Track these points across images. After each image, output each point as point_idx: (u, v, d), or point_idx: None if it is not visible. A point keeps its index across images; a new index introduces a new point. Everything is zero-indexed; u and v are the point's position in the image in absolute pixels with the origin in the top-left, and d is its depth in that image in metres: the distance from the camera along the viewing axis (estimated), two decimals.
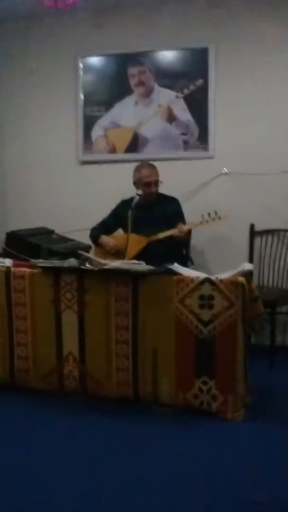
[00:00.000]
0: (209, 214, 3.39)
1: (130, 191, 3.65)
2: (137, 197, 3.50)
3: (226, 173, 4.02)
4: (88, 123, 4.30)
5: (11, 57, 4.42)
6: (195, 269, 3.05)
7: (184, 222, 3.56)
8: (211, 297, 2.64)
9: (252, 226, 3.97)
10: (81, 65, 4.25)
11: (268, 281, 3.90)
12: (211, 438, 2.55)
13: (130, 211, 3.39)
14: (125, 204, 3.69)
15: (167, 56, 4.09)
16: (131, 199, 3.55)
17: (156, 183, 3.62)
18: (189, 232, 3.61)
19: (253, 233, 3.97)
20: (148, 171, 3.63)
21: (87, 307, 2.84)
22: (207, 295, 2.64)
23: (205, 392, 2.70)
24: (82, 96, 4.29)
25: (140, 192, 3.53)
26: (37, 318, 2.94)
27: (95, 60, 4.25)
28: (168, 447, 2.47)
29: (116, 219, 3.75)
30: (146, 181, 3.60)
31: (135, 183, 3.67)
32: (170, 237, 3.48)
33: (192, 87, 4.04)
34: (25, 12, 3.85)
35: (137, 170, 3.67)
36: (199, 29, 3.97)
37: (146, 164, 3.70)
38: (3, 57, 4.44)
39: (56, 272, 2.88)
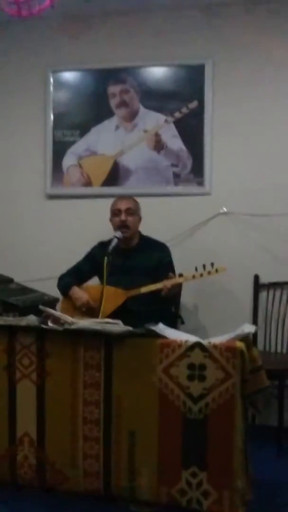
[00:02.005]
0: (204, 267, 3.39)
1: (108, 233, 3.67)
2: (115, 239, 3.51)
3: (225, 213, 4.06)
4: (59, 150, 4.36)
5: None
6: (186, 331, 3.04)
7: (173, 274, 3.56)
8: (203, 367, 2.61)
9: (256, 277, 3.98)
10: (51, 81, 4.34)
11: (275, 346, 3.88)
12: None
13: (106, 258, 3.39)
14: (103, 246, 3.69)
15: (155, 73, 4.19)
16: (110, 241, 3.56)
17: (129, 212, 3.64)
18: (179, 286, 3.60)
19: (258, 286, 3.98)
20: (117, 199, 3.72)
21: (49, 376, 2.80)
22: (198, 363, 2.61)
23: (195, 486, 2.64)
24: (52, 118, 4.36)
25: (118, 234, 3.54)
26: None
27: (68, 76, 4.35)
28: None
29: (92, 265, 3.74)
30: (115, 208, 3.66)
31: (110, 220, 3.71)
32: (155, 292, 3.47)
33: (184, 110, 4.13)
34: None
35: (112, 203, 3.73)
36: (193, 42, 4.10)
37: (120, 195, 3.82)
38: None
39: (12, 331, 2.85)
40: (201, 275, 3.42)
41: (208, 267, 3.40)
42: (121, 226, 3.61)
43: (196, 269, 3.41)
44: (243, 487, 2.66)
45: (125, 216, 3.63)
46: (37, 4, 2.47)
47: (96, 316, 3.30)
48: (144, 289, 3.49)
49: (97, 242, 3.82)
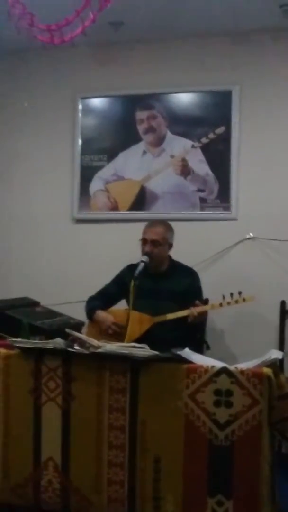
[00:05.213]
0: (231, 295, 3.38)
1: (135, 257, 3.67)
2: (142, 264, 3.50)
3: (251, 238, 4.05)
4: (86, 175, 4.41)
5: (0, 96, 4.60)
6: (212, 357, 3.01)
7: (201, 300, 3.54)
8: (230, 393, 2.57)
9: (283, 303, 3.95)
10: (80, 107, 4.41)
11: None
12: None
13: (132, 282, 3.38)
14: (131, 269, 3.66)
15: (182, 99, 4.23)
16: (139, 264, 3.55)
17: (154, 243, 3.59)
18: (205, 312, 3.58)
19: (285, 312, 3.94)
20: (148, 226, 3.68)
21: (74, 400, 2.77)
22: (225, 389, 2.57)
23: None
24: (80, 143, 4.41)
25: (145, 258, 3.54)
26: (10, 412, 2.87)
27: (97, 102, 4.41)
28: None
29: (120, 288, 3.73)
30: (143, 237, 3.63)
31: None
32: (182, 318, 3.46)
33: (211, 136, 4.15)
34: (18, 46, 4.03)
35: (144, 227, 3.73)
36: (220, 69, 4.14)
37: (154, 220, 3.77)
38: None
39: (38, 354, 2.84)
40: (228, 303, 3.41)
41: (236, 296, 3.38)
42: (144, 256, 3.60)
43: (223, 297, 3.40)
44: None
45: (150, 247, 3.59)
46: (69, 32, 2.52)
47: (122, 341, 3.30)
48: (170, 316, 3.48)
49: (124, 265, 3.81)
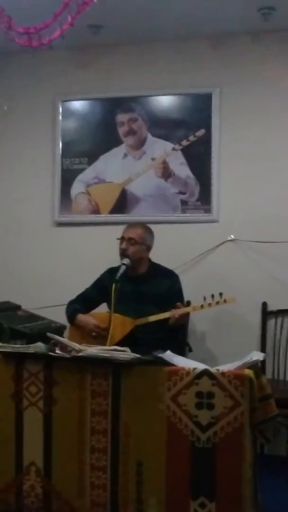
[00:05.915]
0: (212, 296, 3.39)
1: (116, 259, 3.67)
2: (123, 267, 3.51)
3: (232, 240, 4.06)
4: (67, 178, 4.40)
5: None
6: (194, 359, 3.02)
7: (182, 302, 3.55)
8: (211, 395, 2.57)
9: (264, 305, 3.97)
10: (60, 110, 4.40)
11: (284, 374, 3.85)
12: None
13: (114, 285, 3.38)
14: (112, 273, 3.67)
15: (163, 102, 4.24)
16: (119, 268, 3.56)
17: (131, 241, 3.61)
18: (187, 315, 3.59)
19: (266, 313, 3.96)
20: (127, 227, 3.72)
21: (56, 404, 2.77)
22: (206, 391, 2.58)
23: None
24: (60, 146, 4.40)
25: (126, 261, 3.54)
26: None
27: (77, 105, 4.41)
28: None
29: (100, 291, 3.73)
30: (122, 235, 3.65)
31: None
32: (164, 320, 3.47)
33: (192, 138, 4.16)
34: None
35: None
36: (200, 71, 4.15)
37: (134, 222, 3.83)
38: None
39: (19, 359, 2.83)
40: (210, 304, 3.42)
41: (217, 297, 3.40)
42: (121, 254, 3.61)
43: (204, 298, 3.41)
44: None
45: (126, 245, 3.61)
46: (47, 35, 2.52)
47: (104, 344, 3.29)
48: (152, 318, 3.49)
49: (105, 268, 3.81)
